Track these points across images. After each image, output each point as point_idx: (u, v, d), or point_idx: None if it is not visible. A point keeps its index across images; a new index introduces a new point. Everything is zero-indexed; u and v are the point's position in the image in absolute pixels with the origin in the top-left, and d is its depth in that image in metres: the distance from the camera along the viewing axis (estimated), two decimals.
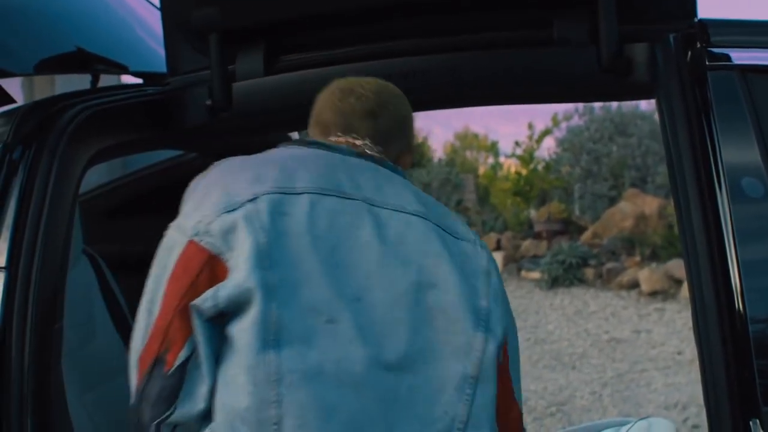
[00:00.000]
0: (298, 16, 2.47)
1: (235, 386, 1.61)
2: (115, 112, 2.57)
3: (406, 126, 2.05)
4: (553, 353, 8.96)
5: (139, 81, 3.08)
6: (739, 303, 1.97)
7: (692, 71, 2.18)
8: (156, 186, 3.48)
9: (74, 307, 2.51)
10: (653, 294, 11.07)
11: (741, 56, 2.16)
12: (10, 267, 2.24)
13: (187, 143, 3.05)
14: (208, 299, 1.61)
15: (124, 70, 3.10)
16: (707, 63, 2.15)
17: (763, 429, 1.82)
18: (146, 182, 3.57)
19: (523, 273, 13.27)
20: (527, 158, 15.72)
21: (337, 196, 1.72)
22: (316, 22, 2.51)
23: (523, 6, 2.43)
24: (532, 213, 15.09)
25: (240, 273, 1.61)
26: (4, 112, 2.50)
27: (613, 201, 14.56)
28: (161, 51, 3.40)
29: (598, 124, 15.72)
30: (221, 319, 1.64)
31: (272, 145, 2.14)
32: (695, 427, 6.41)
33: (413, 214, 1.75)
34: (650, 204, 12.97)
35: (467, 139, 20.94)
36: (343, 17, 2.48)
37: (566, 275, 12.44)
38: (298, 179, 1.71)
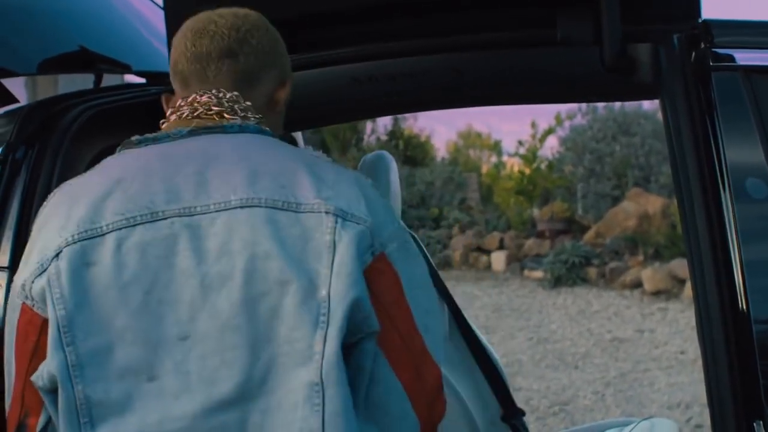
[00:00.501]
0: (299, 16, 2.43)
1: None
2: (118, 112, 2.54)
3: (276, 56, 1.81)
4: (556, 353, 8.94)
5: (141, 80, 3.09)
6: (742, 303, 1.95)
7: (696, 72, 2.17)
8: None
9: None
10: (656, 293, 11.05)
11: (745, 57, 2.14)
12: (13, 267, 2.20)
13: None
14: (39, 378, 1.50)
15: (127, 70, 3.09)
16: (711, 63, 2.13)
17: (766, 431, 1.81)
18: None
19: (526, 272, 13.23)
20: (530, 157, 15.67)
21: (147, 222, 1.52)
22: (317, 22, 2.48)
23: (526, 5, 2.42)
24: (535, 212, 15.04)
25: (48, 355, 1.48)
26: (7, 112, 2.49)
27: (616, 200, 14.54)
28: (163, 50, 3.41)
29: (601, 124, 15.66)
30: None
31: None
32: (698, 426, 6.41)
33: (239, 207, 1.52)
34: (653, 203, 12.94)
35: (470, 138, 20.92)
36: (345, 17, 2.47)
37: (569, 275, 12.40)
38: (105, 212, 1.53)
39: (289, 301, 1.45)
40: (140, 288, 1.48)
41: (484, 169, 19.12)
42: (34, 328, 1.52)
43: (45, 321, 1.50)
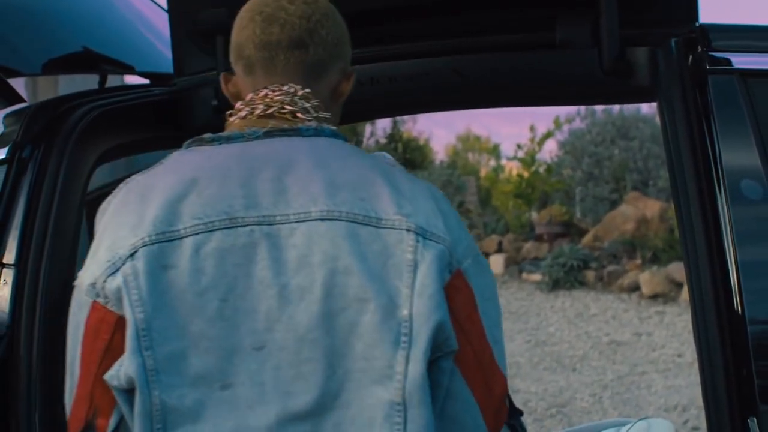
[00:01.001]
0: None
1: None
2: (123, 112, 2.57)
3: (342, 47, 1.75)
4: (554, 355, 8.95)
5: (144, 81, 3.11)
6: (738, 304, 1.97)
7: (693, 75, 2.19)
8: None
9: None
10: (654, 297, 11.06)
11: (741, 60, 2.17)
12: (19, 264, 2.26)
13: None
14: (114, 377, 1.48)
15: (131, 71, 3.12)
16: (708, 67, 2.15)
17: (760, 427, 1.83)
18: None
19: (524, 275, 13.22)
20: (529, 161, 15.65)
21: (226, 228, 1.50)
22: None
23: (526, 9, 2.45)
24: (534, 215, 15.05)
25: (125, 357, 1.47)
26: (14, 112, 2.52)
27: (614, 204, 14.52)
28: (166, 52, 3.43)
29: (599, 128, 15.66)
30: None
31: None
32: (695, 429, 6.43)
33: (319, 219, 1.50)
34: (651, 207, 12.94)
35: (469, 141, 20.94)
36: (347, 20, 2.50)
37: (567, 278, 12.39)
38: (182, 214, 1.50)
39: (368, 319, 1.44)
40: (217, 295, 1.47)
41: (483, 172, 19.09)
42: (108, 326, 1.50)
43: (119, 319, 1.48)
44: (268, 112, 1.62)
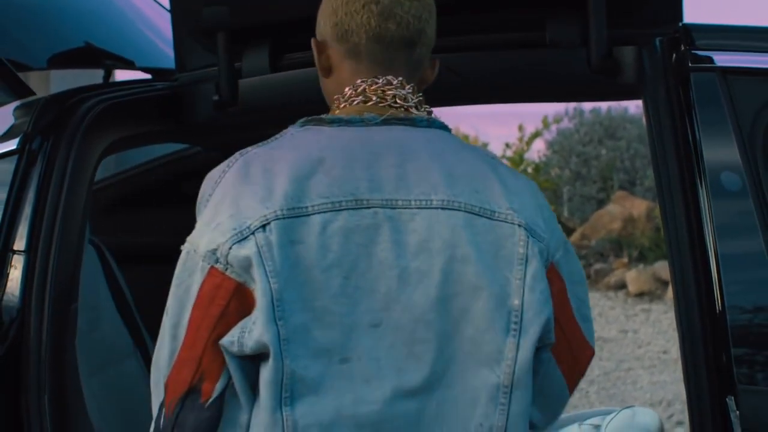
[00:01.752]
0: (303, 16, 2.54)
1: None
2: (128, 106, 2.66)
3: (434, 41, 1.82)
4: None
5: (144, 77, 3.20)
6: (718, 293, 2.08)
7: (676, 73, 2.28)
8: (159, 179, 3.56)
9: (80, 294, 2.61)
10: (640, 295, 11.06)
11: (722, 59, 2.25)
12: (29, 251, 2.36)
13: (195, 136, 3.15)
14: (234, 343, 1.52)
15: (132, 66, 3.23)
16: (690, 65, 2.24)
17: (737, 405, 1.94)
18: (150, 176, 3.66)
19: None
20: (517, 160, 15.53)
21: (352, 209, 1.56)
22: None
23: (516, 9, 2.54)
24: None
25: (258, 327, 1.51)
26: (24, 104, 2.63)
27: (601, 203, 14.49)
28: (165, 48, 3.52)
29: (587, 127, 15.58)
30: (253, 357, 1.55)
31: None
32: (680, 423, 6.50)
33: (439, 208, 1.57)
34: (638, 206, 12.94)
35: None
36: None
37: None
38: (310, 191, 1.56)
39: (481, 305, 1.53)
40: (340, 272, 1.53)
41: None
42: (225, 293, 1.53)
43: (238, 286, 1.53)
44: (381, 104, 1.68)
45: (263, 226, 1.53)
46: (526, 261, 1.56)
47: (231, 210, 1.56)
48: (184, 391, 1.55)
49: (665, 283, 10.66)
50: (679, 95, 2.26)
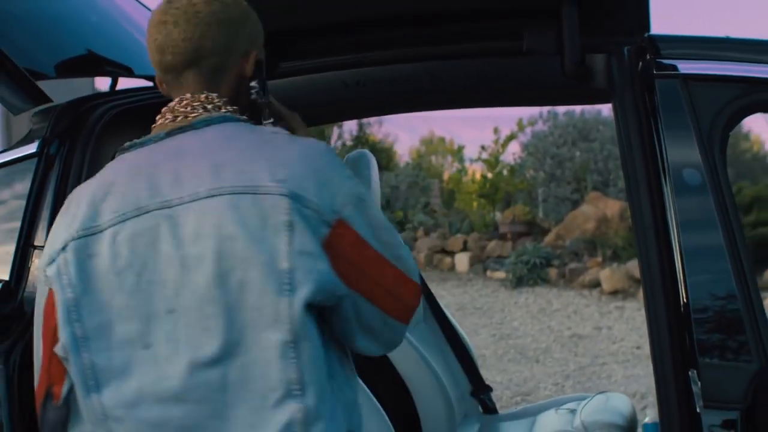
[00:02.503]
0: (297, 27, 2.63)
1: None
2: (136, 112, 2.72)
3: (236, 42, 1.93)
4: (518, 348, 9.07)
5: (144, 84, 3.28)
6: (681, 279, 2.22)
7: (642, 79, 2.40)
8: None
9: None
10: (614, 293, 11.19)
11: (685, 66, 2.36)
12: None
13: None
14: (59, 349, 1.75)
15: (130, 73, 3.32)
16: (655, 72, 2.36)
17: (699, 377, 2.11)
18: None
19: (489, 273, 13.27)
20: (493, 162, 15.66)
21: (135, 216, 1.75)
22: (312, 33, 2.68)
23: (495, 19, 2.63)
24: (498, 215, 15.06)
25: (59, 329, 1.75)
26: (41, 111, 2.73)
27: (575, 204, 14.57)
28: None
29: (561, 130, 15.71)
30: None
31: None
32: None
33: (207, 197, 1.73)
34: (611, 207, 13.03)
35: (433, 144, 20.99)
36: (336, 29, 2.70)
37: (530, 275, 12.47)
38: (102, 211, 1.76)
39: (254, 274, 1.67)
40: (133, 272, 1.72)
41: (448, 173, 18.97)
42: (52, 308, 1.77)
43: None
44: (173, 120, 1.88)
45: (63, 248, 1.77)
46: (292, 227, 1.68)
47: (49, 239, 1.83)
48: (43, 396, 1.82)
49: (638, 281, 10.69)
50: (645, 100, 2.39)
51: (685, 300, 2.22)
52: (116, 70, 3.30)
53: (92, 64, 3.25)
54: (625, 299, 10.85)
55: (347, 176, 1.84)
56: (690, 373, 2.18)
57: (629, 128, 2.41)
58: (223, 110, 1.89)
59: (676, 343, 2.22)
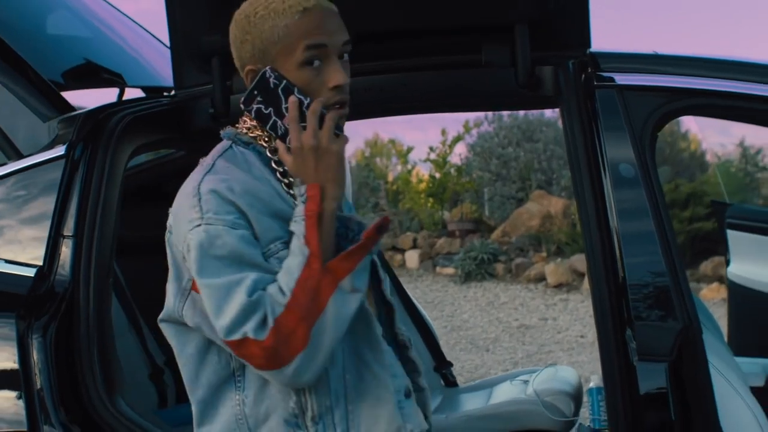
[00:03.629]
0: None
1: None
2: (146, 118, 3.07)
3: (240, 56, 2.01)
4: (469, 338, 9.26)
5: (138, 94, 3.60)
6: (619, 255, 2.58)
7: (584, 89, 2.72)
8: (150, 179, 3.88)
9: None
10: (558, 286, 11.37)
11: (620, 78, 2.71)
12: (76, 236, 2.81)
13: (194, 143, 3.52)
14: None
15: (125, 84, 3.58)
16: (595, 83, 2.70)
17: (633, 335, 2.48)
18: (136, 178, 4.00)
19: (438, 269, 13.28)
20: (441, 162, 15.73)
21: None
22: None
23: (458, 36, 2.93)
24: (446, 214, 15.03)
25: None
26: (66, 118, 3.06)
27: (520, 202, 14.62)
28: (149, 67, 3.93)
29: (506, 131, 15.75)
30: None
31: None
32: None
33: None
34: (555, 204, 13.13)
35: (381, 146, 21.16)
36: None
37: (478, 270, 12.47)
38: None
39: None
40: None
41: (391, 176, 18.87)
42: None
43: None
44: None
45: None
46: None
47: None
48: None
49: (581, 275, 11.06)
50: (587, 106, 2.71)
51: (622, 275, 2.57)
52: (117, 81, 3.63)
53: (95, 75, 3.58)
54: (569, 292, 11.09)
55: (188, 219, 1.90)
56: (627, 332, 2.54)
57: (574, 130, 2.72)
58: (240, 126, 2.04)
59: (615, 309, 2.58)
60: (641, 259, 2.61)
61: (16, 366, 2.69)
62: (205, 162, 1.97)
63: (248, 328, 1.79)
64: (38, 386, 2.69)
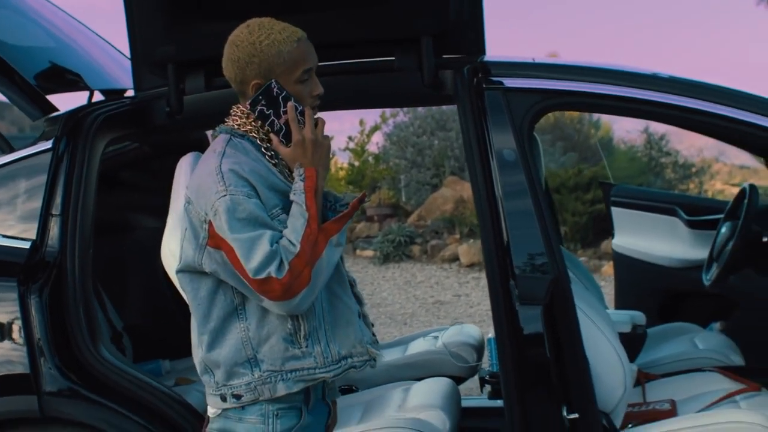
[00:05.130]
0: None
1: None
2: (115, 117, 3.56)
3: (244, 73, 2.53)
4: (388, 314, 9.54)
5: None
6: (505, 230, 3.08)
7: (476, 90, 3.19)
8: (117, 166, 4.30)
9: None
10: (471, 265, 11.56)
11: (507, 81, 3.20)
12: (63, 214, 3.32)
13: (153, 137, 4.08)
14: None
15: (89, 88, 4.02)
16: (484, 86, 3.18)
17: (516, 286, 2.99)
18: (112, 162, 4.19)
19: (358, 252, 13.36)
20: (359, 151, 15.94)
21: None
22: None
23: (376, 45, 3.39)
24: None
25: None
26: (51, 117, 3.55)
27: (435, 187, 14.78)
28: (105, 73, 4.34)
29: (421, 121, 16.00)
30: None
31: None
32: None
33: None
34: (467, 189, 12.88)
35: None
36: None
37: (396, 252, 12.67)
38: None
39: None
40: None
41: None
42: None
43: None
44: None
45: None
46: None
47: None
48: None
49: None
50: (478, 104, 3.19)
51: (506, 238, 3.09)
52: (80, 83, 4.06)
53: (69, 81, 4.02)
54: (480, 271, 11.14)
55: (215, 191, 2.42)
56: (510, 283, 3.07)
57: (468, 124, 3.21)
58: (230, 122, 2.59)
59: (502, 265, 3.11)
60: (521, 226, 3.14)
61: (19, 321, 3.22)
62: (216, 150, 2.51)
63: (272, 269, 2.36)
64: (37, 337, 3.22)
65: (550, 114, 3.61)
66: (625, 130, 20.17)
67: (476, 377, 4.31)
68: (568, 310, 3.10)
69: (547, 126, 21.20)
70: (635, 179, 15.12)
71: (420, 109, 15.93)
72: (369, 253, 13.30)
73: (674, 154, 20.10)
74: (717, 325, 4.86)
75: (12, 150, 3.58)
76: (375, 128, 16.32)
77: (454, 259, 12.11)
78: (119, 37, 3.86)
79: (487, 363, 4.21)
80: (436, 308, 9.76)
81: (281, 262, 2.39)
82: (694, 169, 17.10)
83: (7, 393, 3.26)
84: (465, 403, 4.12)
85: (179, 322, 3.77)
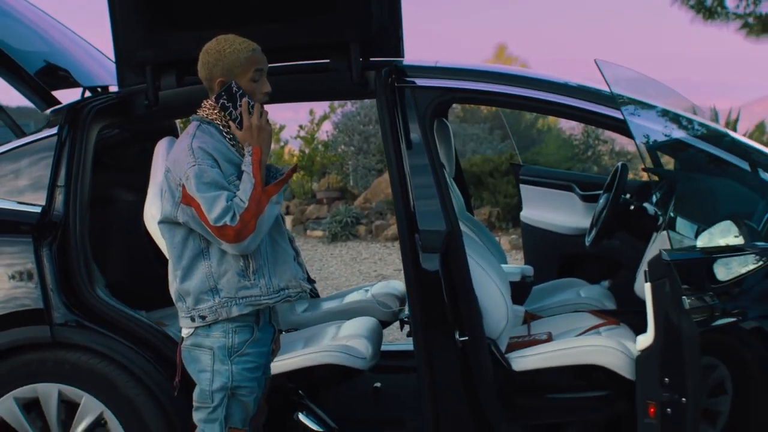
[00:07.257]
0: (194, 55, 3.39)
1: None
2: (106, 108, 4.19)
3: (211, 73, 3.24)
4: (335, 287, 10.08)
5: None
6: (413, 201, 3.74)
7: (392, 88, 3.82)
8: (105, 149, 4.65)
9: None
10: None
11: (418, 81, 3.85)
12: (67, 185, 3.98)
13: (135, 125, 4.70)
14: None
15: (81, 85, 4.54)
16: (397, 84, 3.82)
17: (420, 238, 3.69)
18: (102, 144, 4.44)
19: (309, 232, 13.84)
20: (309, 139, 16.11)
21: None
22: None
23: (315, 51, 3.98)
24: (315, 184, 15.29)
25: None
26: (55, 109, 4.21)
27: (380, 172, 15.28)
28: (90, 71, 4.83)
29: (367, 110, 16.47)
30: None
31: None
32: None
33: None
34: None
35: None
36: None
37: (343, 232, 13.23)
38: None
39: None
40: None
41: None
42: None
43: None
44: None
45: None
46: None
47: None
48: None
49: None
50: (394, 99, 3.83)
51: (413, 202, 3.73)
52: (73, 80, 4.54)
53: (58, 78, 4.54)
54: None
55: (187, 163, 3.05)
56: (415, 236, 3.77)
57: (384, 114, 3.83)
58: (200, 112, 3.30)
59: (411, 226, 3.78)
60: (424, 195, 3.83)
61: (34, 269, 3.92)
62: (189, 132, 3.18)
63: (227, 219, 3.09)
64: (48, 281, 3.91)
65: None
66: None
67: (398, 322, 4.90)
68: (459, 257, 3.79)
69: (488, 115, 21.98)
70: (564, 164, 15.69)
71: (366, 99, 16.20)
72: (318, 233, 13.64)
73: (610, 141, 20.88)
74: (606, 283, 5.51)
75: (24, 135, 4.23)
76: (324, 117, 16.55)
77: (396, 237, 12.24)
78: (101, 37, 4.41)
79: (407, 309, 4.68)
80: (378, 281, 10.12)
81: (234, 214, 3.10)
82: (629, 157, 17.60)
83: (27, 324, 3.94)
84: (391, 347, 4.79)
85: (153, 279, 4.36)
